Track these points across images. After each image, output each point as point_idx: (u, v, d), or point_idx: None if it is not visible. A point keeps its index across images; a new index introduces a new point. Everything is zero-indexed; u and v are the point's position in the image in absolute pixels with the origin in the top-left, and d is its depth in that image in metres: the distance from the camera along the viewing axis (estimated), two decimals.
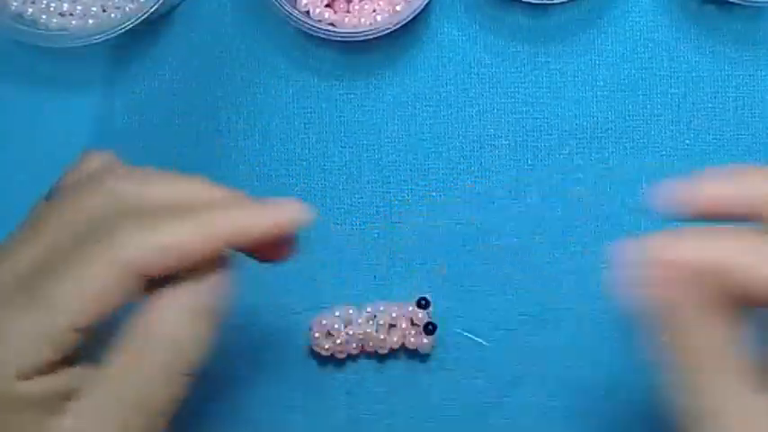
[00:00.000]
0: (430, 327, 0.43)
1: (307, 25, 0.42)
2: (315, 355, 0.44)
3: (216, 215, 0.31)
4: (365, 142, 0.45)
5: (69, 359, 0.30)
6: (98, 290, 0.29)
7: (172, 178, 0.32)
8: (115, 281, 0.29)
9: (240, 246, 0.32)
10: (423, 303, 0.43)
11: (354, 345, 0.43)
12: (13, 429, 0.29)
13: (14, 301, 0.29)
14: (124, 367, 0.30)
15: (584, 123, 0.45)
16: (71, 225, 0.30)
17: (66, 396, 0.29)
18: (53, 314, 0.29)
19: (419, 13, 0.42)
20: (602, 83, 0.45)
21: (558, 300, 0.44)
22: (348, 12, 0.44)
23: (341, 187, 0.45)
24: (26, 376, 0.29)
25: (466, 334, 0.44)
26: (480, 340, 0.44)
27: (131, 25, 0.42)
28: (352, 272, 0.45)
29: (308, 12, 0.43)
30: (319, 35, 0.43)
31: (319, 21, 0.43)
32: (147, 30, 0.45)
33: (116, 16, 0.44)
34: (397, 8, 0.43)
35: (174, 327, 0.30)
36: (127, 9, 0.44)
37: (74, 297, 0.29)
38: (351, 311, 0.44)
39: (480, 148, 0.45)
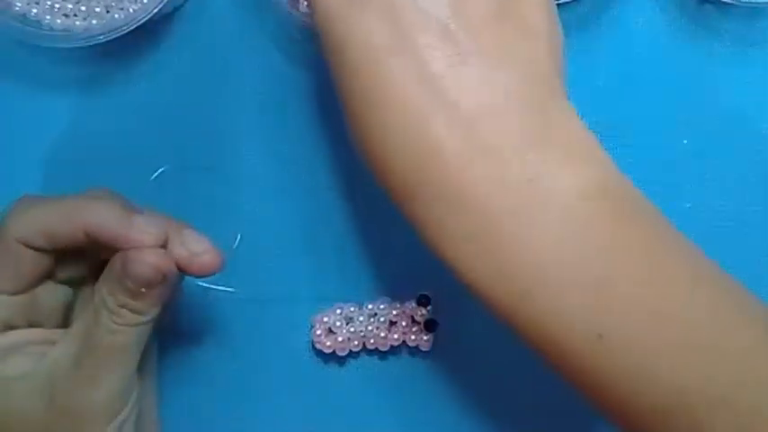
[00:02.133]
0: (430, 324, 0.43)
1: (308, 25, 0.42)
2: (316, 352, 0.44)
3: (80, 206, 0.37)
4: None
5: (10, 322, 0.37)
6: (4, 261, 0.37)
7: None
8: (10, 252, 0.37)
9: (98, 238, 0.37)
10: (423, 301, 0.44)
11: (356, 342, 0.44)
12: None
13: None
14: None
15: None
16: None
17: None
18: None
19: None
20: (600, 83, 0.45)
21: None
22: None
23: (342, 186, 0.45)
24: None
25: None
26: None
27: (135, 26, 0.42)
28: (353, 270, 0.45)
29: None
30: None
31: None
32: (151, 30, 0.45)
33: (120, 17, 0.43)
34: None
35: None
36: (130, 10, 0.44)
37: None
38: (352, 309, 0.44)
39: None
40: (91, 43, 0.42)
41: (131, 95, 0.46)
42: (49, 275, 0.38)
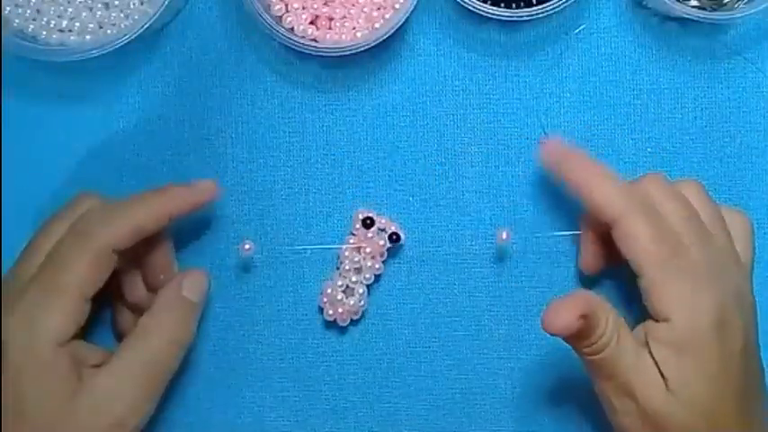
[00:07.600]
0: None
1: (291, 41, 0.44)
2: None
3: (159, 197, 0.41)
4: (346, 150, 0.46)
5: (82, 331, 0.39)
6: (91, 267, 0.39)
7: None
8: (101, 257, 0.39)
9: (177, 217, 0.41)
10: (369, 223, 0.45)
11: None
12: (52, 390, 0.38)
13: (33, 290, 0.39)
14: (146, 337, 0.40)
15: (552, 133, 0.46)
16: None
17: (83, 362, 0.39)
18: (66, 292, 0.39)
19: (397, 30, 0.43)
20: (568, 95, 0.47)
21: (529, 297, 0.46)
22: (330, 29, 0.45)
23: (323, 192, 0.46)
24: (60, 344, 0.38)
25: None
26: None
27: (127, 41, 0.43)
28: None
29: (292, 28, 0.44)
30: (303, 50, 0.44)
31: (302, 37, 0.44)
32: (142, 45, 0.46)
33: (112, 32, 0.44)
34: (376, 26, 0.45)
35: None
36: (122, 26, 0.44)
37: (77, 276, 0.39)
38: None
39: (454, 155, 0.46)
40: (85, 57, 0.43)
41: (123, 107, 0.47)
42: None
